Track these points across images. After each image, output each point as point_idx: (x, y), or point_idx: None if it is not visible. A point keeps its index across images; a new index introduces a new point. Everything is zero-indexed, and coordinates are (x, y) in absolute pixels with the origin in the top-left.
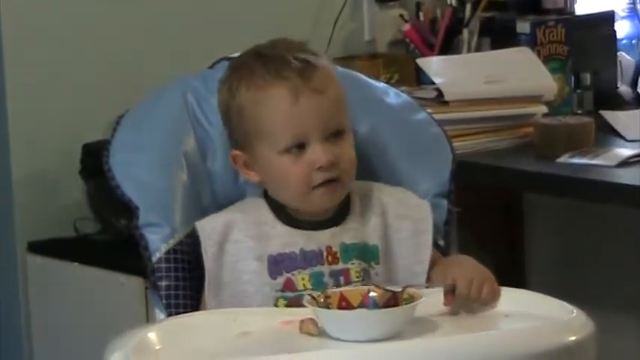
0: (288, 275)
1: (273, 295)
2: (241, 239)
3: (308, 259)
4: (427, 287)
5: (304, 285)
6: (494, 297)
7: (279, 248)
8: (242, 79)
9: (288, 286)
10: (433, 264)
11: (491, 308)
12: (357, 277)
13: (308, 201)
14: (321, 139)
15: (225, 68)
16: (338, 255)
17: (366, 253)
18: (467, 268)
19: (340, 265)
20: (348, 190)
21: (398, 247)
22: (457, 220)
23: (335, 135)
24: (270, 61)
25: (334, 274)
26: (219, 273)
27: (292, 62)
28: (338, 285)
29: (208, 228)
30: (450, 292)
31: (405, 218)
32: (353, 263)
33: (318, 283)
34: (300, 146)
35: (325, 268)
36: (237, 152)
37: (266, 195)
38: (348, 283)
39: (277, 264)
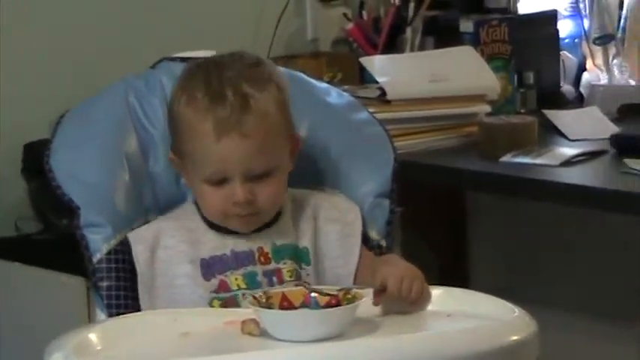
0: (221, 277)
1: (207, 296)
2: (173, 244)
3: (240, 259)
4: (359, 288)
5: (238, 285)
6: (424, 295)
7: (210, 252)
8: (184, 94)
9: (223, 286)
10: (366, 264)
11: (427, 308)
12: (290, 277)
13: (225, 224)
14: (241, 178)
15: (167, 68)
16: (270, 255)
17: (297, 255)
18: (397, 267)
19: (272, 265)
20: (270, 217)
21: (326, 250)
22: (400, 219)
23: (260, 176)
24: (211, 89)
25: (267, 274)
26: (152, 278)
27: (229, 98)
28: (271, 284)
29: (139, 236)
30: (380, 291)
31: (335, 222)
32: (285, 263)
33: (252, 282)
34: (222, 180)
35: (258, 268)
36: (173, 157)
37: (197, 204)
38: (281, 282)
39: (210, 267)
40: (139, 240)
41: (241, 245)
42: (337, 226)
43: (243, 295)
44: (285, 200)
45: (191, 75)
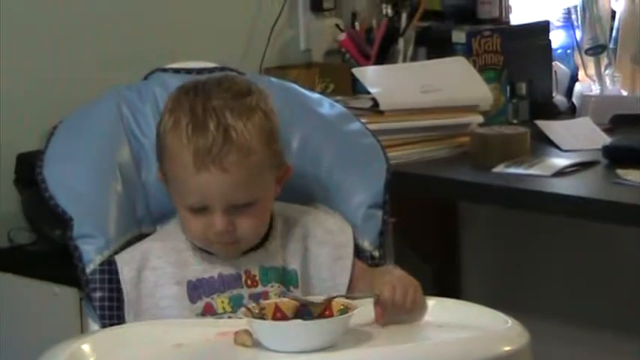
0: (208, 299)
1: (193, 318)
2: (160, 265)
3: (227, 282)
4: (349, 297)
5: (224, 308)
6: (418, 304)
7: (197, 273)
8: (172, 117)
9: (208, 309)
10: (360, 276)
11: (422, 318)
12: (282, 298)
13: (207, 248)
14: (221, 209)
15: (160, 79)
16: (257, 278)
17: (284, 277)
18: (391, 277)
19: (260, 288)
20: (253, 244)
21: (316, 272)
22: (393, 230)
23: (242, 206)
24: (194, 118)
25: (254, 297)
26: (138, 299)
27: (211, 130)
28: None
29: (127, 257)
30: (378, 306)
31: (326, 244)
32: (272, 286)
33: (238, 305)
34: (203, 209)
35: (245, 291)
36: (160, 175)
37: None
38: None
39: (196, 289)
40: (126, 261)
41: (228, 268)
42: (328, 249)
43: (229, 317)
44: (267, 225)
45: (179, 99)
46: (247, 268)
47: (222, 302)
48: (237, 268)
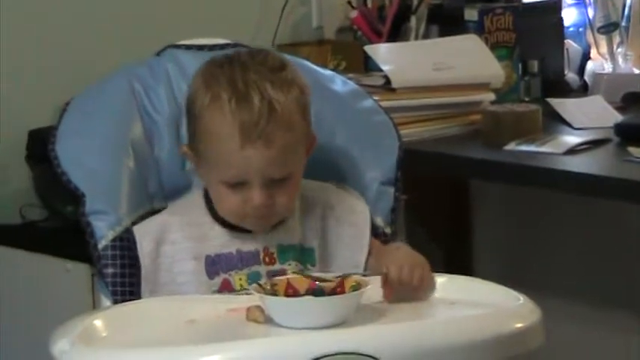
0: (225, 276)
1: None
2: (179, 240)
3: (245, 259)
4: (361, 274)
5: (241, 285)
6: (425, 284)
7: (216, 249)
8: (208, 92)
9: (226, 286)
10: (371, 252)
11: (432, 296)
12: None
13: (240, 223)
14: (260, 183)
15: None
16: (275, 256)
17: (302, 255)
18: (399, 255)
19: (277, 266)
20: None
21: (334, 251)
22: (405, 208)
23: (277, 180)
24: (237, 91)
25: (271, 274)
26: (156, 273)
27: (255, 103)
28: None
29: (145, 230)
30: (384, 283)
31: (345, 222)
32: (290, 264)
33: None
34: (241, 184)
35: (262, 269)
36: (187, 151)
37: (206, 197)
38: None
39: (214, 264)
40: (145, 234)
41: (247, 245)
42: (347, 227)
43: (246, 295)
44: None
45: (213, 72)
46: (265, 245)
47: (240, 279)
48: (256, 245)
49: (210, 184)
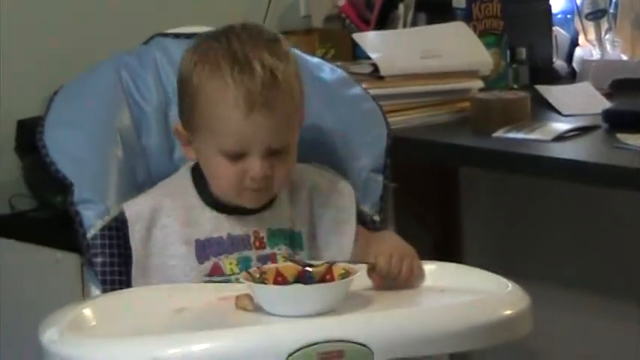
0: (215, 260)
1: (200, 279)
2: (169, 224)
3: (235, 243)
4: (348, 262)
5: (232, 270)
6: (414, 274)
7: (207, 233)
8: (206, 65)
9: (216, 270)
10: (358, 240)
11: (420, 285)
12: (285, 262)
13: (235, 198)
14: (261, 153)
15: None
16: (265, 240)
17: (292, 240)
18: (387, 245)
19: (267, 250)
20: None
21: (321, 235)
22: (394, 196)
23: (276, 151)
24: (237, 60)
25: (262, 259)
26: (147, 257)
27: (257, 71)
28: None
29: (135, 212)
30: (372, 271)
31: (330, 207)
32: (280, 249)
33: (245, 267)
34: (240, 155)
35: (253, 253)
36: (181, 128)
37: (194, 177)
38: None
39: (204, 249)
40: (136, 218)
41: (237, 229)
42: (332, 211)
43: (236, 279)
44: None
45: (208, 46)
46: (256, 229)
47: (231, 264)
48: (246, 229)
49: (207, 158)
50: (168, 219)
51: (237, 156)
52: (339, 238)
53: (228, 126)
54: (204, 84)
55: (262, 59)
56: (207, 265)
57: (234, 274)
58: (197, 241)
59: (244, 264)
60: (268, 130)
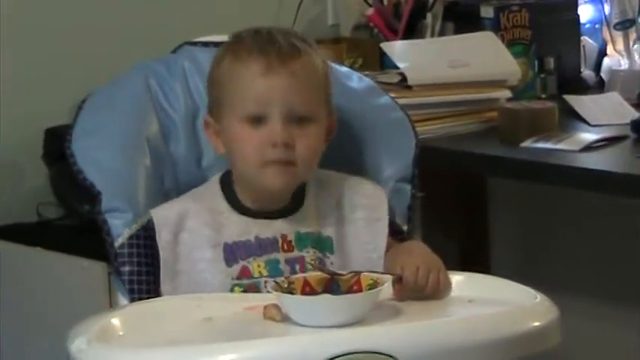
0: (244, 263)
1: (229, 282)
2: (197, 228)
3: (263, 246)
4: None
5: (260, 272)
6: (441, 286)
7: (234, 237)
8: (229, 50)
9: (244, 273)
10: (387, 250)
11: (450, 295)
12: (313, 265)
13: (261, 176)
14: (282, 118)
15: (189, 52)
16: (293, 243)
17: (320, 243)
18: (415, 256)
19: (295, 253)
20: (304, 179)
21: (352, 238)
22: (421, 205)
23: (300, 120)
24: (260, 36)
25: (290, 262)
26: (175, 262)
27: (279, 42)
28: (294, 272)
29: (163, 217)
30: (398, 283)
31: (359, 208)
32: (308, 252)
33: (274, 269)
34: (262, 119)
35: (281, 256)
36: (208, 118)
37: (222, 183)
38: (303, 271)
39: (233, 252)
40: (164, 223)
41: (265, 232)
42: (363, 212)
43: (265, 282)
44: (317, 162)
45: (237, 40)
46: (283, 232)
47: (259, 266)
48: (273, 232)
49: (231, 134)
50: (195, 223)
51: (258, 119)
52: (374, 237)
53: (246, 88)
54: (227, 66)
55: (287, 38)
56: (236, 268)
57: (262, 276)
58: (225, 245)
59: (272, 266)
60: (287, 92)
